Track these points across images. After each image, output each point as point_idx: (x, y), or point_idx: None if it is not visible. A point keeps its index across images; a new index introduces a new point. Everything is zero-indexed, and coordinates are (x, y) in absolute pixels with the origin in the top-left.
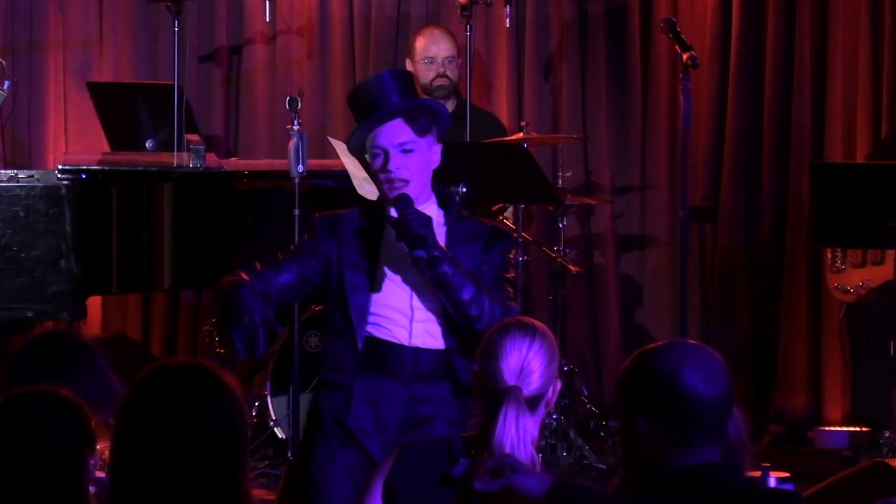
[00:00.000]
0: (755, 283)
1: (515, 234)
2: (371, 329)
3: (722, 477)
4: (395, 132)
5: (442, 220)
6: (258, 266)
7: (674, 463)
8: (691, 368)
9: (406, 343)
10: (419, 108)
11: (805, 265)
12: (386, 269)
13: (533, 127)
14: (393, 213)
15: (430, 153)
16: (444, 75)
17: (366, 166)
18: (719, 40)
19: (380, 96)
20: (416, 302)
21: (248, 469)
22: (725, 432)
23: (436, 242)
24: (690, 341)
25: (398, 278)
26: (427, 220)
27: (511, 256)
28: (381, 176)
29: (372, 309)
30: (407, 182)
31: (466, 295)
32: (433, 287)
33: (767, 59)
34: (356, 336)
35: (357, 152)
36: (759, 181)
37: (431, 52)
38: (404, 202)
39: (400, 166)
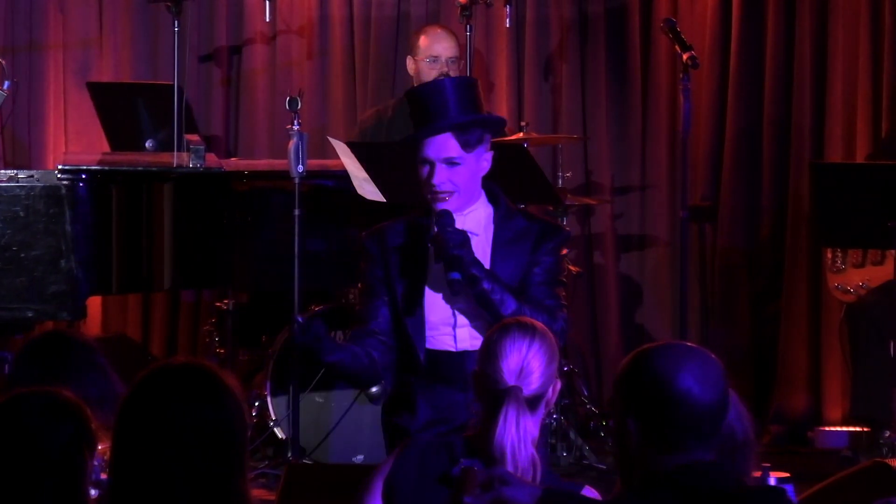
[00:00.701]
0: (755, 283)
1: (567, 228)
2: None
3: (709, 476)
4: (443, 147)
5: (491, 219)
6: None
7: (661, 463)
8: (687, 373)
9: (453, 349)
10: (473, 123)
11: (805, 265)
12: (432, 280)
13: (533, 127)
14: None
15: (478, 164)
16: (446, 75)
17: (368, 166)
18: (719, 40)
19: (436, 107)
20: (459, 306)
21: (247, 469)
22: (720, 435)
23: (474, 260)
24: (689, 344)
25: (437, 288)
26: (465, 239)
27: (564, 252)
28: (426, 187)
29: (427, 322)
30: (452, 193)
31: (507, 310)
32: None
33: (767, 59)
34: (417, 351)
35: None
36: (759, 181)
37: (435, 52)
38: (444, 219)
39: (444, 180)
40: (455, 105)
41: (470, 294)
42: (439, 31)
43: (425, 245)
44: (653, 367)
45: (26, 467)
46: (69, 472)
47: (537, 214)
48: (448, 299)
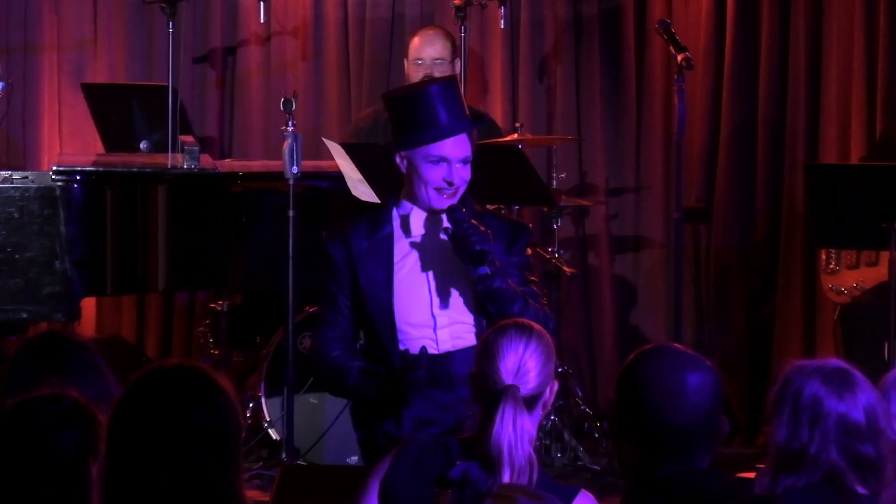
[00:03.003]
0: (749, 284)
1: (528, 225)
2: (402, 345)
3: (699, 483)
4: (463, 146)
5: None
6: (332, 333)
7: (655, 471)
8: (680, 381)
9: (436, 351)
10: (482, 122)
11: (799, 266)
12: (403, 283)
13: (527, 128)
14: (446, 222)
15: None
16: (429, 77)
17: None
18: (713, 41)
19: (441, 108)
20: (437, 309)
21: (242, 470)
22: (711, 447)
23: (493, 258)
24: (682, 349)
25: (415, 289)
26: (486, 235)
27: (529, 251)
28: (442, 185)
29: (398, 325)
30: (458, 188)
31: (515, 308)
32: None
33: (762, 61)
34: (391, 356)
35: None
36: (754, 182)
37: (421, 54)
38: (459, 215)
39: (459, 177)
40: (457, 104)
41: (480, 292)
42: (428, 33)
43: (390, 242)
44: (645, 376)
45: (34, 472)
46: (76, 478)
47: (501, 213)
48: (424, 301)
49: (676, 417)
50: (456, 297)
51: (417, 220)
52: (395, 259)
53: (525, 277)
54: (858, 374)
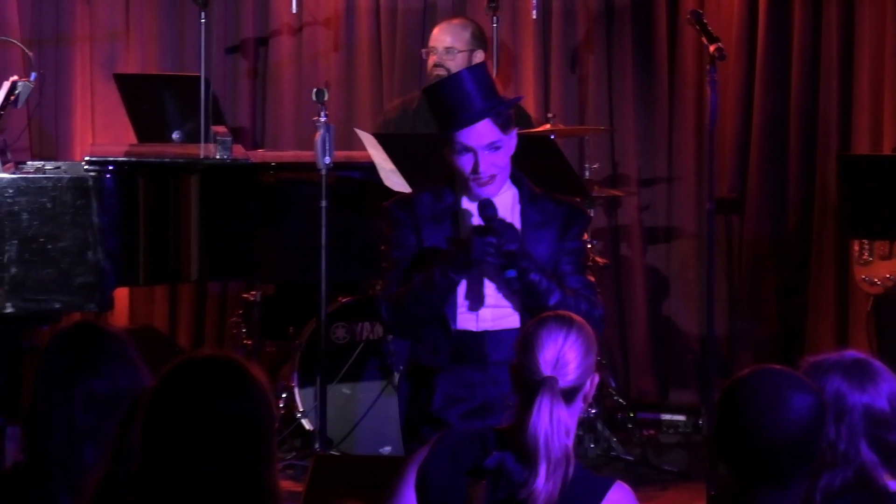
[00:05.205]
0: (782, 274)
1: (587, 210)
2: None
3: None
4: (484, 133)
5: (517, 201)
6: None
7: (744, 496)
8: (775, 414)
9: (474, 329)
10: (502, 104)
11: (832, 257)
12: None
13: (559, 119)
14: (475, 217)
15: (512, 144)
16: (439, 65)
17: (395, 157)
18: (746, 32)
19: (463, 97)
20: (487, 289)
21: (275, 461)
22: (807, 473)
23: (525, 252)
24: (783, 371)
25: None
26: (515, 232)
27: (586, 236)
28: (471, 175)
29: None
30: (494, 177)
31: (552, 301)
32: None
33: (794, 51)
34: (449, 328)
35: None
36: (786, 173)
37: (433, 42)
38: (489, 211)
39: (489, 165)
40: (480, 91)
41: (515, 287)
42: (444, 22)
43: (453, 218)
44: (746, 392)
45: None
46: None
47: (561, 196)
48: (476, 281)
49: (773, 434)
50: (494, 287)
51: (468, 204)
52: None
53: (578, 264)
54: (878, 364)
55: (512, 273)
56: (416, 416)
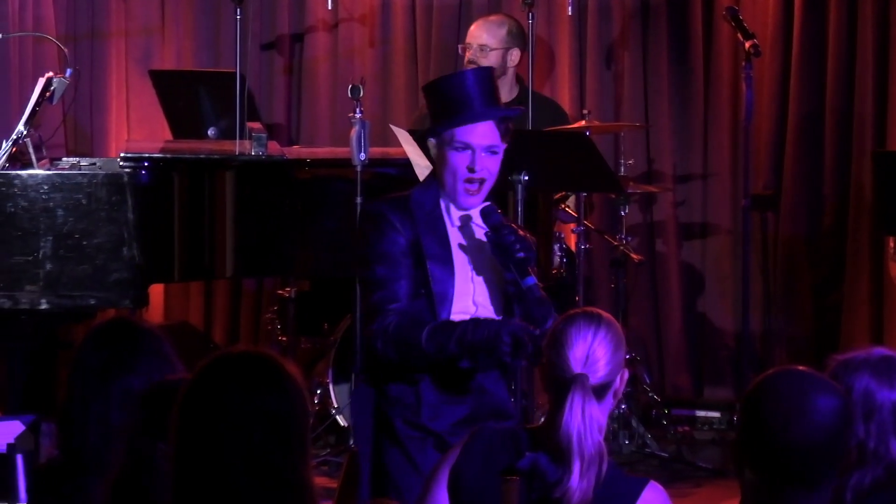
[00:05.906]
0: (817, 271)
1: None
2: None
3: None
4: (487, 134)
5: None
6: (392, 307)
7: (771, 499)
8: (785, 412)
9: None
10: (509, 112)
11: (867, 254)
12: (456, 262)
13: (595, 115)
14: (479, 222)
15: (501, 156)
16: (472, 62)
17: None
18: (781, 28)
19: (471, 95)
20: (479, 297)
21: (309, 457)
22: (833, 475)
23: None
24: (809, 373)
25: (465, 272)
26: (528, 243)
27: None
28: (464, 174)
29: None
30: (484, 181)
31: (546, 313)
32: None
33: (830, 47)
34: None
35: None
36: (821, 170)
37: (468, 38)
38: (495, 218)
39: (484, 167)
40: (483, 94)
41: (527, 297)
42: (481, 19)
43: (443, 220)
44: (770, 394)
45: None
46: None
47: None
48: (469, 286)
49: (798, 437)
50: (485, 294)
51: (454, 211)
52: (450, 236)
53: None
54: None
55: (532, 280)
56: (399, 426)
